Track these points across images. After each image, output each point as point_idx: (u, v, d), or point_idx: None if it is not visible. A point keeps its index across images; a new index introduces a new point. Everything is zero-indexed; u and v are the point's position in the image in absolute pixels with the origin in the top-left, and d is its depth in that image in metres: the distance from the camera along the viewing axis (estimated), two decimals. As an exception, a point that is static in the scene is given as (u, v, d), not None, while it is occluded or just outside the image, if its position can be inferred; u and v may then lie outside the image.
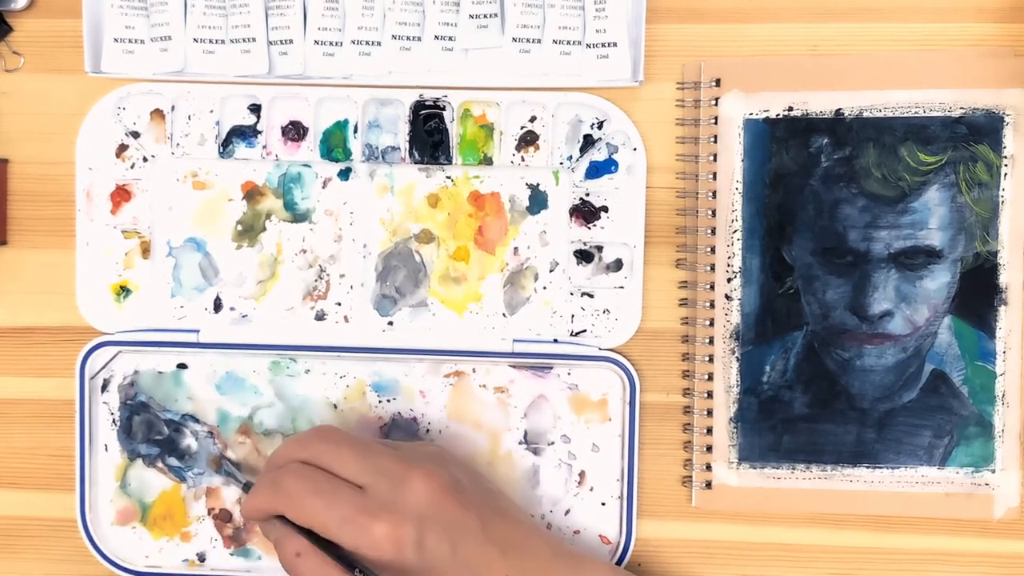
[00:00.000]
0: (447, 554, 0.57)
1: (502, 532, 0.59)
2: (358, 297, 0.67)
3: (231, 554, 0.68)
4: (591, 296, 0.67)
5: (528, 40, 0.65)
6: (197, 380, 0.68)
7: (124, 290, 0.67)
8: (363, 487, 0.58)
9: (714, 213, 0.66)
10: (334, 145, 0.67)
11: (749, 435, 0.66)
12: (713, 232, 0.66)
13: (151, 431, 0.68)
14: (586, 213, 0.66)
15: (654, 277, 0.67)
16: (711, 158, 0.66)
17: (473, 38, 0.65)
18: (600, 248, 0.66)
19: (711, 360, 0.66)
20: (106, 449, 0.68)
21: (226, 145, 0.67)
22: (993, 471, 0.66)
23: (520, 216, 0.67)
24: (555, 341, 0.67)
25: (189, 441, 0.68)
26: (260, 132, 0.66)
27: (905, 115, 0.65)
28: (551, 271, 0.67)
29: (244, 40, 0.65)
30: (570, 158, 0.66)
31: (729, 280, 0.66)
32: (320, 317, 0.67)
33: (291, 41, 0.65)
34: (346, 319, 0.67)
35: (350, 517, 0.57)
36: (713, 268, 0.66)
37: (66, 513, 0.68)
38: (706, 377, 0.66)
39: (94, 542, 0.67)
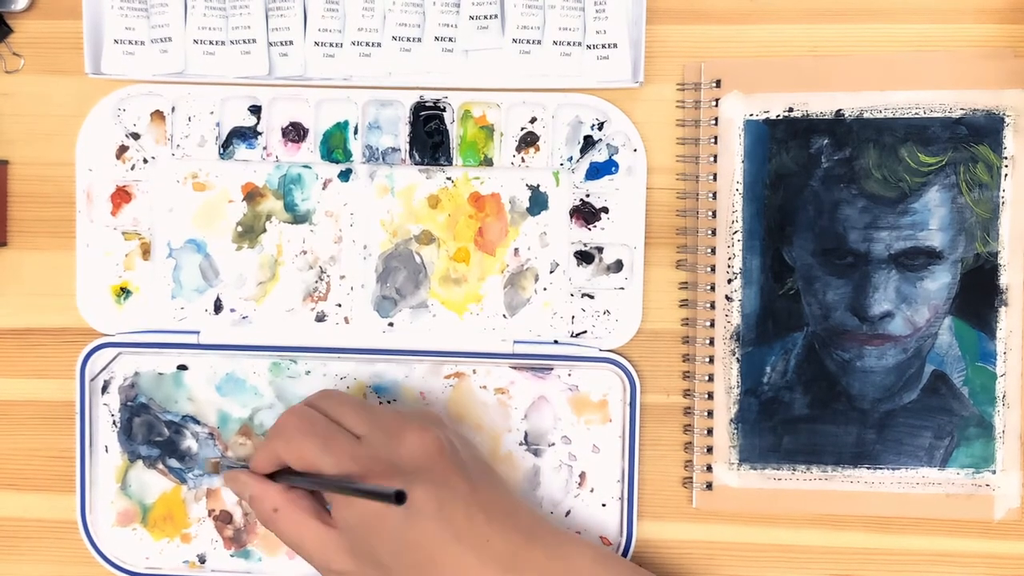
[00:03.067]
0: (433, 510, 0.57)
1: (490, 499, 0.59)
2: (358, 298, 0.67)
3: (231, 555, 0.68)
4: (591, 297, 0.67)
5: (528, 41, 0.65)
6: (197, 381, 0.68)
7: (124, 291, 0.67)
8: (360, 437, 0.59)
9: (714, 214, 0.66)
10: (334, 146, 0.67)
11: (750, 436, 0.66)
12: (713, 233, 0.66)
13: (151, 432, 0.68)
14: (586, 214, 0.66)
15: (654, 278, 0.67)
16: (711, 159, 0.66)
17: (473, 39, 0.65)
18: (600, 249, 0.66)
19: (711, 361, 0.66)
20: (106, 450, 0.68)
21: (226, 146, 0.67)
22: (994, 472, 0.66)
23: (520, 217, 0.67)
24: (555, 342, 0.67)
25: (189, 442, 0.68)
26: (260, 133, 0.66)
27: (905, 116, 0.65)
28: (551, 272, 0.67)
29: (244, 41, 0.65)
30: (570, 159, 0.66)
31: (729, 281, 0.66)
32: (320, 318, 0.67)
33: (291, 42, 0.65)
34: (346, 320, 0.67)
35: (343, 463, 0.58)
36: (713, 269, 0.66)
37: (66, 514, 0.68)
38: (706, 378, 0.66)
39: (94, 543, 0.67)
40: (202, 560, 0.68)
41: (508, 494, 0.62)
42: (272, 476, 0.61)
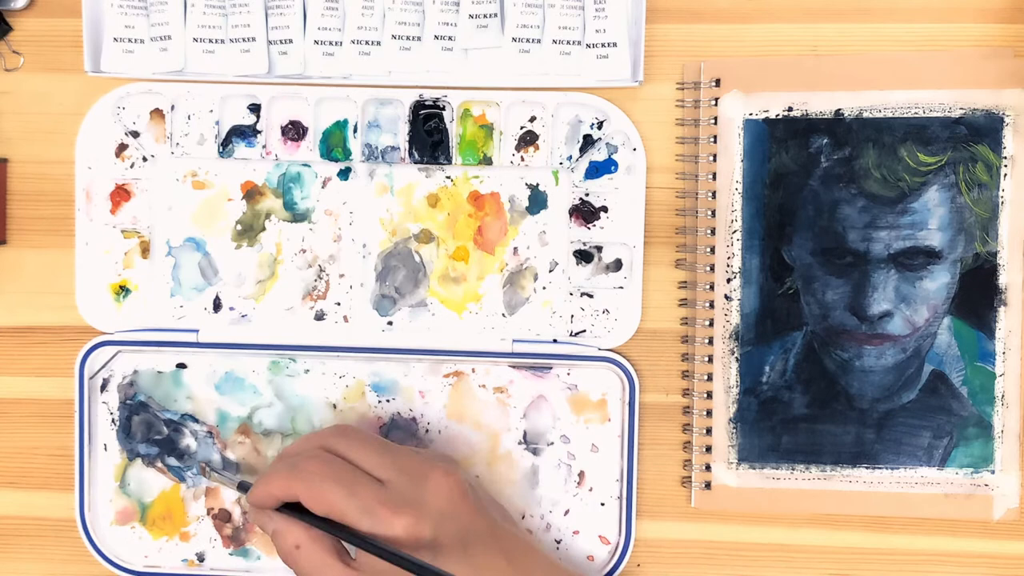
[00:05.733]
0: (459, 554, 0.58)
1: (509, 541, 0.60)
2: (358, 297, 0.67)
3: (230, 554, 0.68)
4: (591, 296, 0.67)
5: (528, 40, 0.65)
6: (196, 380, 0.68)
7: (123, 290, 0.67)
8: (383, 481, 0.58)
9: (714, 213, 0.66)
10: (334, 145, 0.67)
11: (748, 435, 0.66)
12: (713, 232, 0.66)
13: (150, 431, 0.68)
14: (586, 213, 0.66)
15: (654, 277, 0.67)
16: (711, 158, 0.66)
17: (473, 38, 0.65)
18: (600, 248, 0.66)
19: (710, 360, 0.66)
20: (105, 449, 0.68)
21: (226, 145, 0.67)
22: (992, 472, 0.66)
23: (520, 216, 0.67)
24: (555, 341, 0.67)
25: (188, 441, 0.68)
26: (260, 132, 0.66)
27: (905, 115, 0.65)
28: (551, 271, 0.67)
29: (244, 40, 0.65)
30: (570, 158, 0.66)
31: (729, 280, 0.66)
32: (319, 317, 0.67)
33: (291, 41, 0.65)
34: (345, 319, 0.67)
35: (370, 508, 0.57)
36: (713, 268, 0.66)
37: (65, 513, 0.68)
38: (705, 377, 0.66)
39: (93, 542, 0.67)
40: (201, 559, 0.68)
41: (523, 536, 0.63)
42: (285, 508, 0.59)
